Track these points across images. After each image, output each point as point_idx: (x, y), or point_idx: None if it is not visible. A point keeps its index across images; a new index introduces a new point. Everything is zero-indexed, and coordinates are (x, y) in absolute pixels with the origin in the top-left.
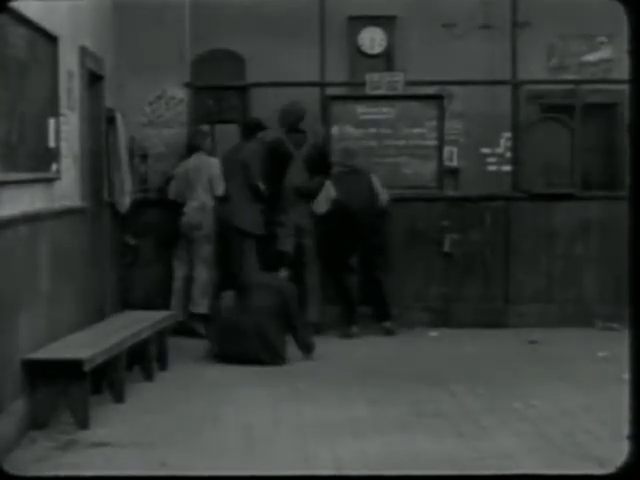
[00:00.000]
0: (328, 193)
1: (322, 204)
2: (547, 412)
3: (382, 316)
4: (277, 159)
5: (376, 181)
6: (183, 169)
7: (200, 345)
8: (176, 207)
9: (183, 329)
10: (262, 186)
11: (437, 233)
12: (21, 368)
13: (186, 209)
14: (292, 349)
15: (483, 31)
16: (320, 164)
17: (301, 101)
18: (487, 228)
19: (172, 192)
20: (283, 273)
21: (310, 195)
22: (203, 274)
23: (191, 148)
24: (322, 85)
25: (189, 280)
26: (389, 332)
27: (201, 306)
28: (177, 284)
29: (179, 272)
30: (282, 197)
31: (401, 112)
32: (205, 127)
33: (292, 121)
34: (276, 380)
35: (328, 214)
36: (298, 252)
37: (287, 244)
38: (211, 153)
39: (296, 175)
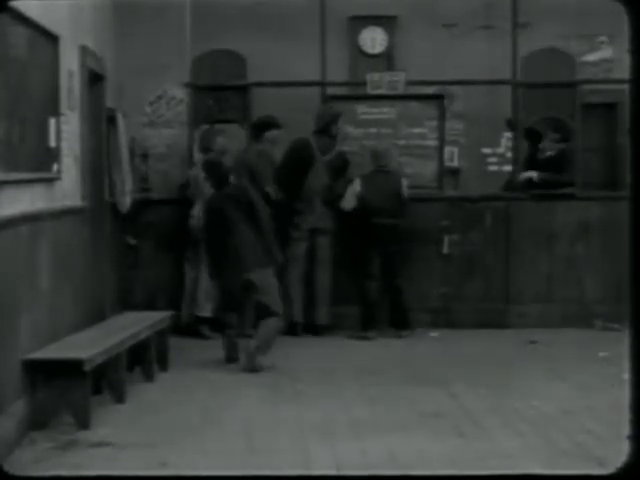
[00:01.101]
0: (354, 189)
1: (349, 200)
2: (547, 412)
3: (400, 324)
4: (299, 160)
5: (404, 184)
6: (195, 171)
7: (204, 346)
8: (182, 208)
9: (189, 330)
10: (270, 189)
11: (437, 233)
12: (21, 368)
13: (193, 212)
14: (294, 351)
15: (483, 31)
16: (342, 172)
17: (332, 106)
18: (487, 228)
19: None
20: None
21: (335, 199)
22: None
23: (203, 149)
24: (323, 85)
25: (196, 283)
26: (401, 337)
27: (205, 310)
28: (188, 287)
29: (189, 275)
30: (300, 199)
31: (401, 112)
32: (218, 127)
33: (326, 121)
34: (276, 380)
35: (353, 211)
36: (311, 253)
37: (299, 247)
38: (223, 153)
39: (316, 179)
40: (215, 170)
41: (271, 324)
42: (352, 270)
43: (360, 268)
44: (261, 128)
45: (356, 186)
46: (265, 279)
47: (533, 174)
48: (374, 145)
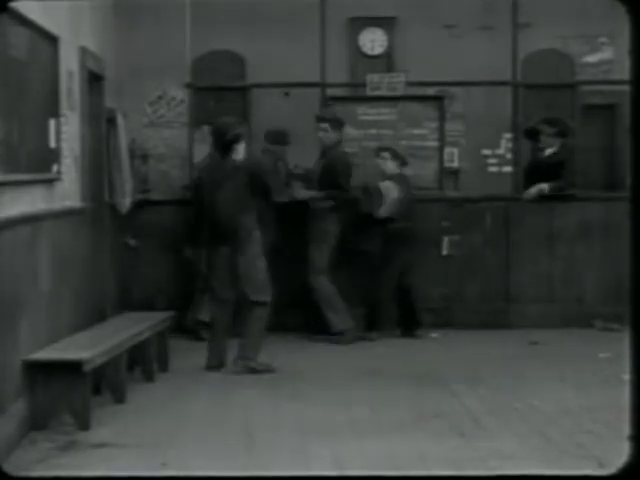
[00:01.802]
0: (392, 194)
1: (387, 206)
2: (548, 412)
3: (412, 325)
4: (340, 170)
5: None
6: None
7: (204, 346)
8: (187, 209)
9: (190, 330)
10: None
11: (438, 234)
12: (22, 369)
13: None
14: (294, 351)
15: (483, 31)
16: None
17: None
18: (487, 229)
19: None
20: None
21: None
22: None
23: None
24: (322, 86)
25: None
26: (416, 337)
27: (205, 313)
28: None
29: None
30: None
31: (401, 113)
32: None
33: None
34: (277, 380)
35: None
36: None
37: (323, 250)
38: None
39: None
40: (221, 135)
41: (253, 319)
42: (358, 271)
43: (374, 270)
44: (269, 139)
45: (392, 191)
46: (246, 264)
47: (544, 187)
48: (391, 146)
